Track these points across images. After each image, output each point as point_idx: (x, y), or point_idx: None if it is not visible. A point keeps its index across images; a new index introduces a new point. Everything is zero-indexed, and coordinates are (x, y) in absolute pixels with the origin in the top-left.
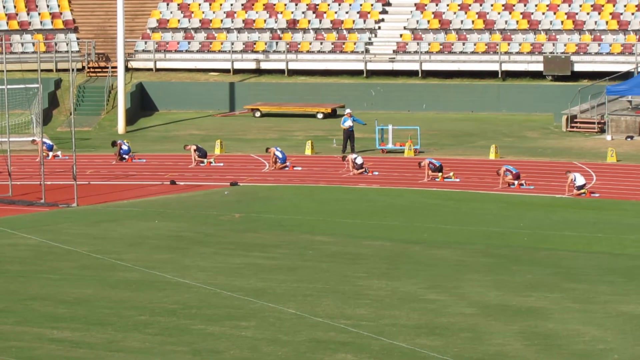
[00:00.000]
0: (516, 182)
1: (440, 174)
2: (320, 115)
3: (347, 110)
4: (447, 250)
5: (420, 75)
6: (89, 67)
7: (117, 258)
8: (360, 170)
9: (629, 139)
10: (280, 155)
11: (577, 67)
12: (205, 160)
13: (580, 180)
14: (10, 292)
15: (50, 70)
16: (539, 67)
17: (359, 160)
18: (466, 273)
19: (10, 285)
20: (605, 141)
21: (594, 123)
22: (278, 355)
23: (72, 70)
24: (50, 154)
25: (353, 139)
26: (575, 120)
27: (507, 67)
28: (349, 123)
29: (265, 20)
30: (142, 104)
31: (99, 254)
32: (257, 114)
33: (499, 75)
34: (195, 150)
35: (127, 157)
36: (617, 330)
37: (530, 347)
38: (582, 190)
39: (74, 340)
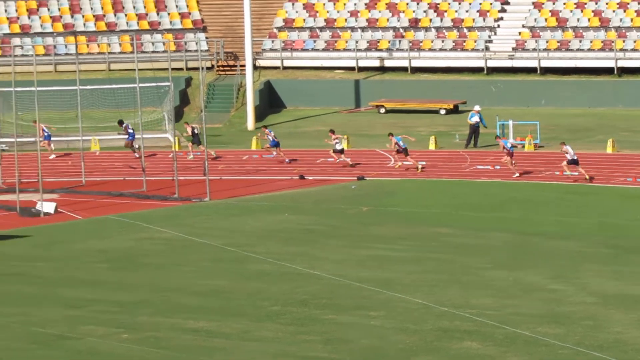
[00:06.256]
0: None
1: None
2: (442, 111)
3: (477, 107)
4: (567, 241)
5: (538, 71)
6: (218, 66)
7: (250, 250)
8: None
9: None
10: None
11: None
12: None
13: None
14: (147, 284)
15: (181, 69)
16: None
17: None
18: (586, 264)
19: (148, 278)
20: None
21: None
22: (406, 343)
23: (202, 68)
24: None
25: (478, 134)
26: None
27: (622, 63)
28: (475, 119)
29: (388, 19)
30: (270, 101)
31: (232, 247)
32: (382, 110)
33: (615, 72)
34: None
35: (134, 140)
36: None
37: None
38: None
39: (209, 330)
